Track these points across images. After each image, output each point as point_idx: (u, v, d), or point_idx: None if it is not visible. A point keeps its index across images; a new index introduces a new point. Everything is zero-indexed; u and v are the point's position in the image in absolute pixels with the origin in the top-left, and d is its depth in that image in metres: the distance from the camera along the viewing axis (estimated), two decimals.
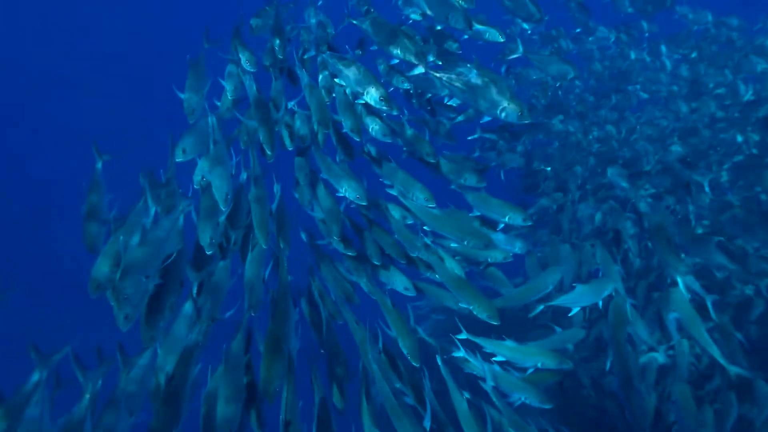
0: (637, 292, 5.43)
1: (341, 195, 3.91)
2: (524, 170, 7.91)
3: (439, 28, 4.35)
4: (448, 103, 4.89)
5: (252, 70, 4.03)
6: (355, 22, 4.07)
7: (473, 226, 4.08)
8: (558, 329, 4.77)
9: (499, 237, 4.17)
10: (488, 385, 3.73)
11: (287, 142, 4.05)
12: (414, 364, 3.57)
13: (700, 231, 5.51)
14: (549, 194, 7.20)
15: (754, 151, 6.27)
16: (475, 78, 3.54)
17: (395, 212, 4.17)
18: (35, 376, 2.96)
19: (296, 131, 4.11)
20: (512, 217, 3.99)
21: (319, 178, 4.10)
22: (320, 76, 4.06)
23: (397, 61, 4.09)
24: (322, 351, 3.90)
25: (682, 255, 4.37)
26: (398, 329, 3.70)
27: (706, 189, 5.84)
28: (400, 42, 3.67)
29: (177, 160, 3.47)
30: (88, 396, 2.91)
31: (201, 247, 3.22)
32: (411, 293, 4.14)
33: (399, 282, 4.10)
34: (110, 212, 3.61)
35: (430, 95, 4.61)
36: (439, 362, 3.71)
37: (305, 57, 4.40)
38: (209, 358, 3.22)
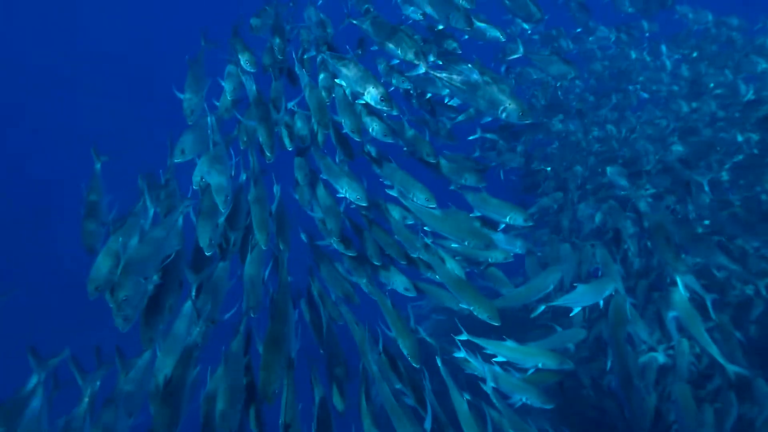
0: (637, 291, 5.42)
1: (341, 196, 3.90)
2: (524, 170, 7.91)
3: (440, 27, 4.35)
4: (449, 104, 4.88)
5: (252, 71, 4.02)
6: (355, 22, 4.06)
7: (474, 226, 4.07)
8: (559, 329, 4.77)
9: (499, 237, 4.17)
10: (488, 386, 3.73)
11: (287, 142, 4.04)
12: (414, 365, 3.57)
13: (700, 231, 5.50)
14: (549, 194, 7.21)
15: (755, 150, 6.27)
16: (475, 78, 3.53)
17: (395, 212, 4.17)
18: (33, 380, 2.95)
19: (296, 131, 4.11)
20: (513, 217, 3.99)
21: (319, 179, 4.09)
22: (320, 76, 4.05)
23: (397, 61, 4.09)
24: (322, 352, 3.89)
25: (682, 254, 4.37)
26: (398, 330, 3.69)
27: (706, 188, 5.83)
28: (400, 41, 3.66)
29: (176, 160, 3.46)
30: (87, 399, 2.91)
31: (200, 248, 3.21)
32: (411, 294, 4.14)
33: (399, 282, 4.10)
34: (109, 213, 3.61)
35: (430, 95, 4.60)
36: (439, 363, 3.71)
37: (305, 57, 4.39)
38: (209, 359, 3.21)
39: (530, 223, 3.99)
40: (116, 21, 24.22)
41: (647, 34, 8.18)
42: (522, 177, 7.98)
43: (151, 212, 3.37)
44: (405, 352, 3.59)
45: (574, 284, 4.28)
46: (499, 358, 3.94)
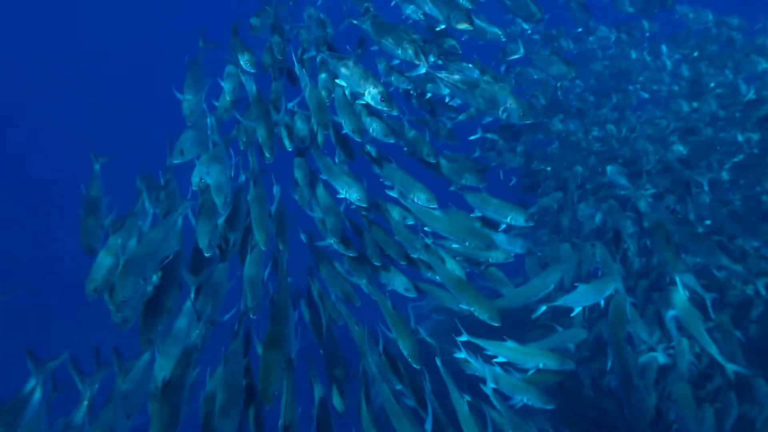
0: (637, 291, 5.42)
1: (342, 196, 3.89)
2: (524, 170, 7.91)
3: (442, 27, 4.34)
4: (449, 104, 4.88)
5: (252, 71, 4.01)
6: (355, 22, 4.05)
7: (474, 226, 4.06)
8: (560, 329, 4.76)
9: (500, 237, 4.16)
10: (488, 387, 3.72)
11: (286, 142, 4.04)
12: (414, 365, 3.56)
13: (700, 230, 5.50)
14: (549, 194, 7.20)
15: (755, 150, 6.26)
16: (476, 78, 3.53)
17: (395, 213, 4.16)
18: (31, 383, 2.94)
19: (296, 132, 4.10)
20: (514, 217, 3.98)
21: (319, 179, 4.08)
22: (320, 76, 4.05)
23: (397, 61, 4.08)
24: (322, 352, 3.89)
25: (682, 254, 4.37)
26: (398, 331, 3.68)
27: (705, 188, 5.84)
28: (400, 41, 3.66)
29: (175, 161, 3.45)
30: (86, 402, 2.90)
31: (200, 249, 3.20)
32: (412, 294, 4.13)
33: (399, 283, 4.09)
34: (109, 214, 3.59)
35: (430, 95, 4.60)
36: (439, 364, 3.70)
37: (305, 57, 4.38)
38: (208, 360, 3.21)
39: (531, 224, 3.98)
40: (116, 21, 24.22)
41: (647, 34, 8.17)
42: (522, 177, 7.98)
43: (150, 213, 3.36)
44: (405, 353, 3.58)
45: (575, 284, 4.28)
46: (500, 359, 3.93)
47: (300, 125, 4.10)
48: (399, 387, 3.69)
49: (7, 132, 18.64)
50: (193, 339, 2.91)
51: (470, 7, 3.68)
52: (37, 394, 2.91)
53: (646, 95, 8.30)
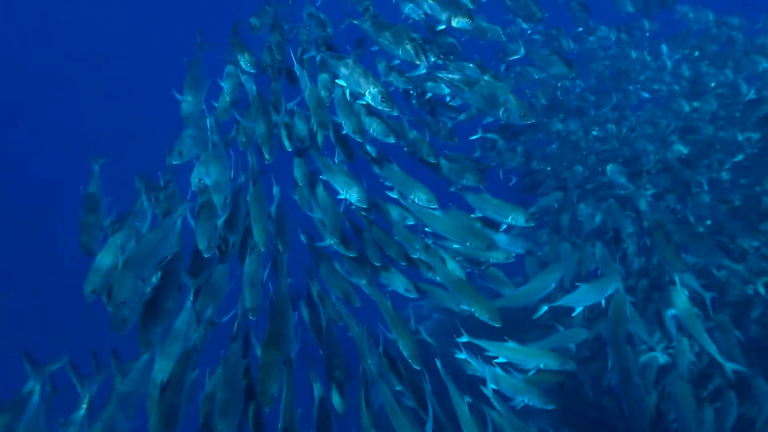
0: (637, 290, 5.42)
1: (342, 197, 3.88)
2: (524, 170, 7.91)
3: (443, 26, 4.34)
4: (450, 104, 4.87)
5: (252, 71, 4.00)
6: (356, 22, 4.05)
7: (475, 227, 4.06)
8: (561, 329, 4.76)
9: (501, 238, 4.15)
10: (489, 388, 3.72)
11: (286, 143, 4.03)
12: (415, 366, 3.55)
13: (701, 230, 5.50)
14: (549, 193, 7.20)
15: (755, 150, 6.27)
16: (477, 78, 3.52)
17: (395, 213, 4.15)
18: (29, 385, 2.93)
19: (295, 132, 4.09)
20: (515, 217, 3.97)
21: (318, 179, 4.07)
22: (319, 77, 4.04)
23: (398, 61, 4.07)
24: (322, 353, 3.88)
25: (683, 254, 4.37)
26: (398, 331, 3.68)
27: (705, 187, 5.84)
28: (401, 41, 3.65)
29: (174, 162, 3.43)
30: (84, 406, 2.89)
31: (199, 250, 3.18)
32: (412, 295, 4.12)
33: (400, 283, 4.08)
34: (108, 215, 3.58)
35: (430, 95, 4.59)
36: (439, 366, 3.69)
37: (305, 57, 4.37)
38: (208, 361, 3.20)
39: (532, 224, 3.98)
40: (116, 21, 24.22)
41: (647, 34, 8.17)
42: (522, 176, 7.97)
43: (149, 214, 3.34)
44: (405, 354, 3.57)
45: (576, 284, 4.27)
46: (501, 359, 3.93)
47: (300, 125, 4.10)
48: (399, 388, 3.69)
49: (7, 132, 18.65)
50: (193, 340, 2.90)
51: (472, 7, 3.67)
52: (36, 397, 2.90)
53: (647, 95, 8.30)
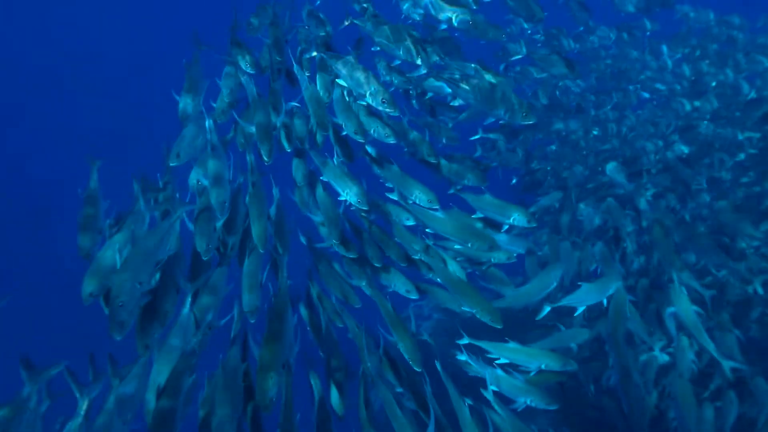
0: (637, 290, 5.42)
1: (342, 198, 3.87)
2: (524, 169, 7.90)
3: (443, 27, 4.33)
4: (450, 104, 4.86)
5: (251, 72, 3.99)
6: (357, 22, 4.03)
7: (476, 227, 4.04)
8: (562, 329, 4.75)
9: (502, 238, 4.14)
10: (489, 389, 3.70)
11: (285, 144, 4.01)
12: (415, 368, 3.53)
13: (701, 229, 5.50)
14: (548, 193, 7.20)
15: (755, 150, 6.26)
16: (477, 78, 3.51)
17: (396, 214, 4.13)
18: (26, 390, 2.90)
19: (295, 133, 4.07)
20: (517, 218, 3.96)
21: (318, 180, 4.06)
22: (318, 77, 4.03)
23: (398, 61, 4.06)
24: (321, 354, 3.86)
25: (682, 253, 4.37)
26: (398, 333, 3.66)
27: (704, 186, 5.84)
28: (401, 41, 3.64)
29: (171, 164, 3.40)
30: (82, 413, 2.86)
31: (198, 252, 3.16)
32: (413, 296, 4.10)
33: (401, 284, 4.07)
34: (107, 218, 3.54)
35: (430, 95, 4.59)
36: (439, 368, 3.68)
37: (304, 57, 4.36)
38: (207, 363, 3.19)
39: (534, 224, 3.96)
40: (116, 21, 24.21)
41: (648, 34, 8.17)
42: (522, 176, 7.97)
43: (147, 216, 3.31)
44: (406, 356, 3.56)
45: (578, 283, 4.26)
46: (502, 360, 3.92)
47: (299, 126, 4.08)
48: (399, 390, 3.67)
49: (7, 132, 18.64)
50: (192, 344, 2.87)
51: (474, 8, 3.66)
52: (32, 403, 2.87)
53: (647, 95, 8.29)
